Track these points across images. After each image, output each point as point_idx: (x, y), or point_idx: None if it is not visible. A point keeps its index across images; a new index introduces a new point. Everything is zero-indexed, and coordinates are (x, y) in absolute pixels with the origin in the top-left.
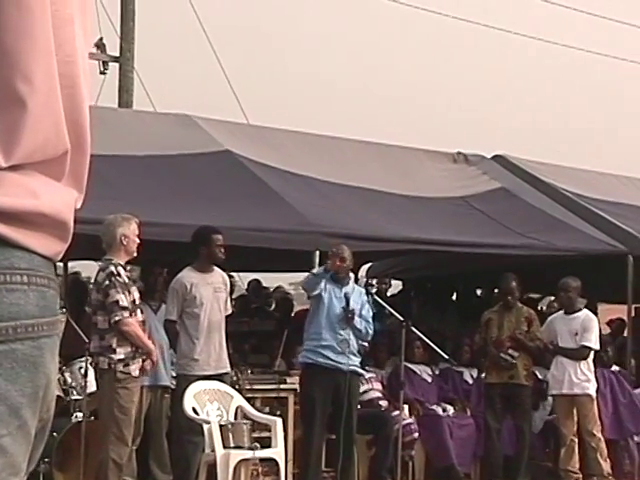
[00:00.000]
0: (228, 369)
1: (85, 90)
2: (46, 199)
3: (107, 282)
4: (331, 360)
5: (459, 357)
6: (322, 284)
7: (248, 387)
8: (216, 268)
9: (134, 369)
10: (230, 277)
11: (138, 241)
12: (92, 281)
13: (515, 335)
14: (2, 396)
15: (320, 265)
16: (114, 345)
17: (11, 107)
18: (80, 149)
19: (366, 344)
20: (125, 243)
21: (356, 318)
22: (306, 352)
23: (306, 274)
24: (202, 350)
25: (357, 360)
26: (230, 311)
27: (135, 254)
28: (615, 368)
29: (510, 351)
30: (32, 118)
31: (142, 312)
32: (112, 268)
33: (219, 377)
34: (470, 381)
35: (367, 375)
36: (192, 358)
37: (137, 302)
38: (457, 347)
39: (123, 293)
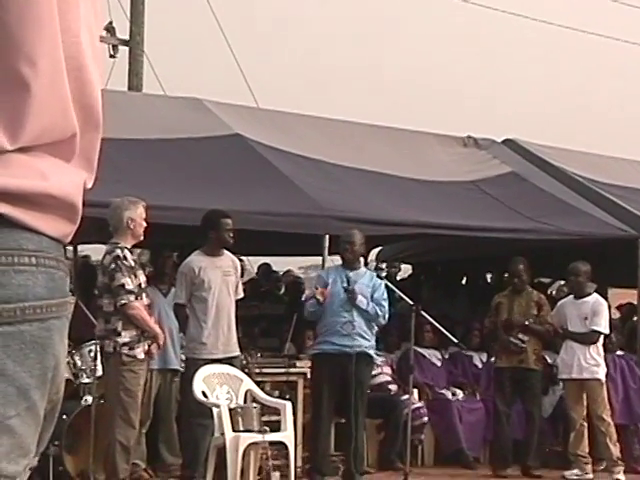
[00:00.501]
0: (237, 353)
1: (94, 72)
2: (55, 180)
3: (113, 265)
4: (336, 345)
5: (469, 341)
6: (327, 278)
7: (257, 371)
8: (226, 252)
9: (139, 352)
10: (240, 261)
11: (145, 224)
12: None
13: (522, 321)
14: (11, 377)
15: (329, 249)
16: (119, 328)
17: (15, 90)
18: (91, 130)
19: (377, 326)
20: (132, 227)
21: (360, 297)
22: (316, 344)
23: (315, 261)
24: (210, 334)
25: (366, 342)
26: (242, 295)
27: (142, 238)
28: (619, 353)
29: (520, 335)
30: (37, 101)
31: (148, 296)
32: (118, 251)
33: (228, 361)
34: (480, 365)
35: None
36: (200, 342)
37: (143, 286)
38: (467, 331)
39: (129, 277)
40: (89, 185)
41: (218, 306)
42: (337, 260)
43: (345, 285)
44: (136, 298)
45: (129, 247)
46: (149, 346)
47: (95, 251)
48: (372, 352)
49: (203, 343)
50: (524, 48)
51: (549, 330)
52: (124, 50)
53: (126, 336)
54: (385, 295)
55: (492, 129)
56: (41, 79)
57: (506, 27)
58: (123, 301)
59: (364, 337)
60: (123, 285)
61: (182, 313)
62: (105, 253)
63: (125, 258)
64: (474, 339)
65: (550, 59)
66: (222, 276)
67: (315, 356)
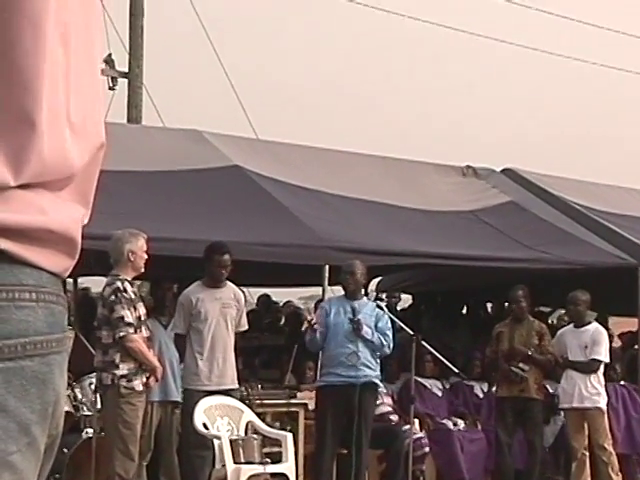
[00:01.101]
0: (235, 386)
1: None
2: (54, 215)
3: (113, 297)
4: (342, 376)
5: (470, 371)
6: (329, 309)
7: (258, 402)
8: (229, 283)
9: (137, 384)
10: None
11: (146, 257)
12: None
13: (524, 351)
14: (12, 413)
15: (329, 279)
16: (117, 360)
17: (21, 127)
18: (89, 174)
19: (382, 356)
20: (132, 259)
21: (365, 329)
22: (321, 376)
23: (315, 291)
24: (204, 365)
25: (372, 372)
26: (246, 327)
27: (142, 270)
28: (623, 383)
29: (521, 364)
30: (41, 138)
31: (148, 328)
32: (118, 284)
33: (224, 394)
34: (481, 395)
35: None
36: (194, 372)
37: (143, 318)
38: (468, 361)
39: (129, 309)
40: (85, 221)
41: (214, 338)
42: (338, 290)
43: (350, 316)
44: (135, 331)
45: (129, 279)
46: (147, 378)
47: (95, 283)
48: (377, 381)
49: (196, 374)
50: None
51: (550, 360)
52: (123, 82)
53: (124, 368)
54: (389, 324)
55: (490, 159)
56: (45, 116)
57: (501, 56)
58: (122, 333)
59: (369, 367)
60: (122, 317)
61: (181, 342)
62: (105, 285)
63: (125, 290)
64: (475, 369)
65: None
66: (220, 308)
67: (320, 388)
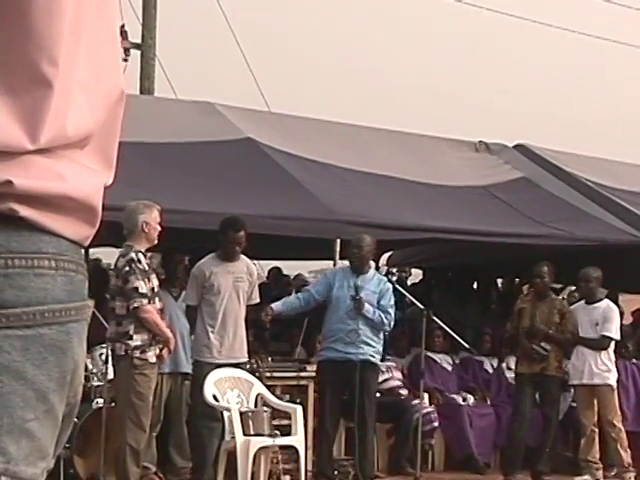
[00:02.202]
0: (244, 359)
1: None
2: (73, 182)
3: (127, 268)
4: (341, 352)
5: (479, 346)
6: (333, 281)
7: (268, 375)
8: (242, 257)
9: (151, 356)
10: None
11: (159, 228)
12: (112, 267)
13: (545, 330)
14: (30, 381)
15: (341, 253)
16: (131, 332)
17: (37, 89)
18: (109, 130)
19: (382, 333)
20: (146, 230)
21: (367, 307)
22: (321, 350)
23: (326, 265)
24: (215, 338)
25: (371, 349)
26: (257, 300)
27: (156, 242)
28: (634, 361)
29: (543, 344)
30: (57, 101)
31: (160, 300)
32: (132, 255)
33: (234, 367)
34: (490, 371)
35: (387, 364)
36: (204, 344)
37: (156, 290)
38: (477, 336)
39: (143, 280)
40: (109, 182)
41: (225, 311)
42: (348, 264)
43: (353, 294)
44: (149, 302)
45: (143, 251)
46: (160, 350)
47: (106, 254)
48: (377, 358)
49: (206, 346)
50: (533, 52)
51: (569, 339)
52: (136, 53)
53: (138, 339)
54: (392, 302)
55: (503, 134)
56: (61, 79)
57: (518, 31)
58: (136, 304)
59: (369, 344)
60: (136, 288)
61: (192, 314)
62: (119, 256)
63: (139, 261)
64: (485, 344)
65: (579, 66)
66: (233, 282)
67: (320, 363)
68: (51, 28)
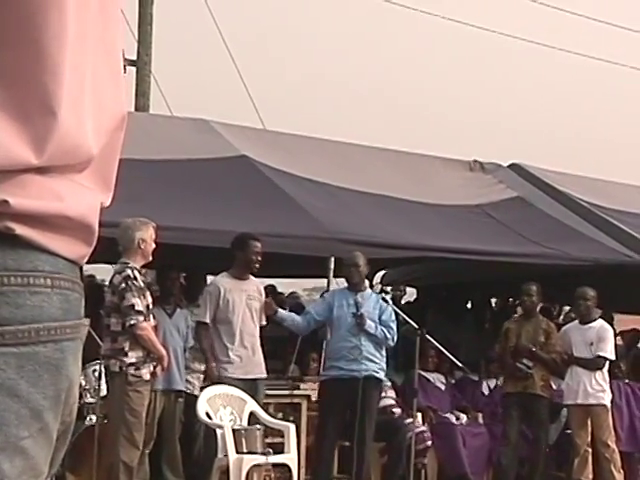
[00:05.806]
0: (263, 375)
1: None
2: (71, 202)
3: (123, 285)
4: (344, 369)
5: (474, 366)
6: (332, 302)
7: None
8: (252, 277)
9: (145, 373)
10: None
11: (154, 246)
12: (107, 283)
13: (528, 347)
14: (24, 399)
15: (335, 271)
16: (126, 348)
17: (46, 110)
18: (108, 154)
19: (385, 349)
20: (142, 247)
21: (368, 322)
22: (324, 370)
23: (320, 283)
24: (235, 355)
25: (375, 366)
26: (265, 322)
27: (150, 258)
28: (627, 382)
29: (525, 361)
30: (62, 122)
31: (154, 317)
32: (129, 271)
33: (253, 382)
34: (486, 392)
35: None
36: (225, 362)
37: (150, 307)
38: (471, 356)
39: (139, 297)
40: (106, 204)
41: (242, 328)
42: (342, 282)
43: (354, 310)
44: (144, 319)
45: (138, 267)
46: (154, 367)
47: (99, 271)
48: (381, 374)
49: (228, 363)
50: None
51: (555, 359)
52: (131, 70)
53: (133, 356)
54: (393, 317)
55: (498, 154)
56: (68, 101)
57: (509, 51)
58: (132, 321)
59: (372, 360)
60: (133, 305)
61: (201, 331)
62: (115, 272)
63: (135, 278)
64: (479, 364)
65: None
66: (246, 300)
67: (323, 382)
68: (61, 52)
